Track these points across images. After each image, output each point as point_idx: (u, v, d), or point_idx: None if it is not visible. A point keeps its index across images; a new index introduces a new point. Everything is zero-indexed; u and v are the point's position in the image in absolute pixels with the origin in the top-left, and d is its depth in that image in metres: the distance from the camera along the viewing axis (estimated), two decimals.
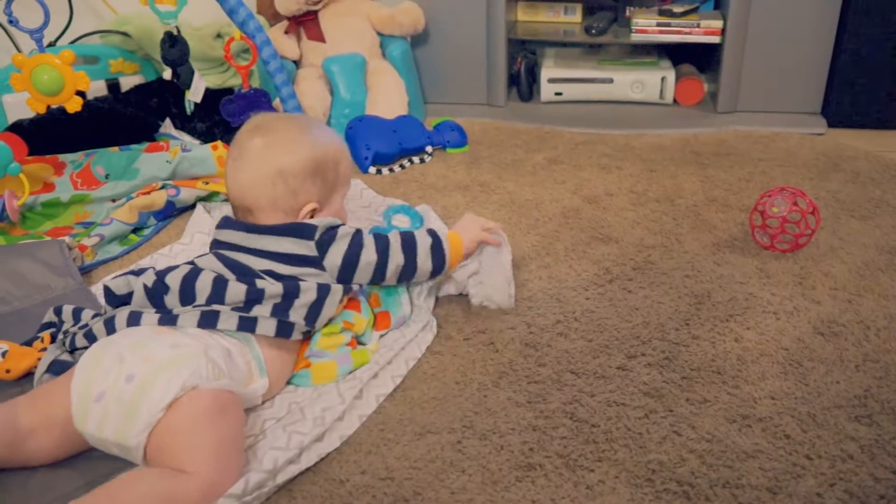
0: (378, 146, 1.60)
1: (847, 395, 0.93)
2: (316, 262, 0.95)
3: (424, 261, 1.01)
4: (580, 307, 1.12)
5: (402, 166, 1.62)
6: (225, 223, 1.00)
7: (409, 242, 1.00)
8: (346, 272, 0.96)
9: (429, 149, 1.67)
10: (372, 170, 1.60)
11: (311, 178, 0.99)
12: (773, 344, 1.03)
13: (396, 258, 0.99)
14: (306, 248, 0.95)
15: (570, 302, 1.14)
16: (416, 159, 1.65)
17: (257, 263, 0.95)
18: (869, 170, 1.54)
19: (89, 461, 0.84)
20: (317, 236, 0.95)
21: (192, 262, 0.96)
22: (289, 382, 0.96)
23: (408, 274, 1.00)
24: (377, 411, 0.93)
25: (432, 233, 1.03)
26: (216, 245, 1.00)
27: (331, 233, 0.96)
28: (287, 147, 0.98)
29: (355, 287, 1.00)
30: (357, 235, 0.97)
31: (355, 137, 1.62)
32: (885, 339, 1.03)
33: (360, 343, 1.01)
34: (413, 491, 0.81)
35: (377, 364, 0.97)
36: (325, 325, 0.97)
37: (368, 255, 0.97)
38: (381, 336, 1.03)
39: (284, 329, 0.91)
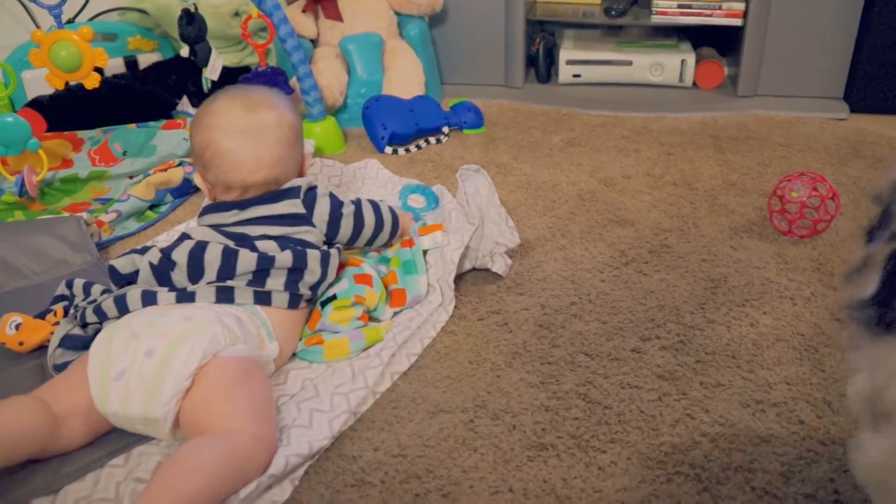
0: (394, 126, 1.59)
1: None
2: (305, 219, 1.00)
3: (388, 215, 1.09)
4: (595, 289, 1.12)
5: (418, 146, 1.62)
6: (209, 209, 1.01)
7: (373, 202, 1.09)
8: (334, 224, 1.02)
9: (445, 129, 1.66)
10: (388, 149, 1.59)
11: (301, 131, 1.07)
12: (790, 329, 1.02)
13: (368, 210, 1.07)
14: (294, 206, 0.99)
15: (584, 284, 1.13)
16: (432, 140, 1.64)
17: (252, 231, 0.97)
18: (891, 156, 1.52)
19: (107, 433, 0.85)
20: (302, 196, 1.00)
21: (188, 236, 0.96)
22: (302, 359, 0.97)
23: (379, 225, 1.08)
24: (391, 389, 0.93)
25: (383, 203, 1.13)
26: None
27: (312, 192, 1.03)
28: (283, 110, 1.03)
29: (341, 246, 1.03)
30: (333, 194, 1.05)
31: (372, 117, 1.61)
32: None
33: (372, 319, 1.02)
34: (425, 468, 0.81)
35: (395, 343, 0.97)
36: (336, 298, 0.98)
37: (348, 208, 1.04)
38: (396, 314, 1.04)
39: (295, 301, 0.95)
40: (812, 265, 1.16)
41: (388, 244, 1.12)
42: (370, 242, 1.09)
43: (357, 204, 1.06)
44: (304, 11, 1.84)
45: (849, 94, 1.78)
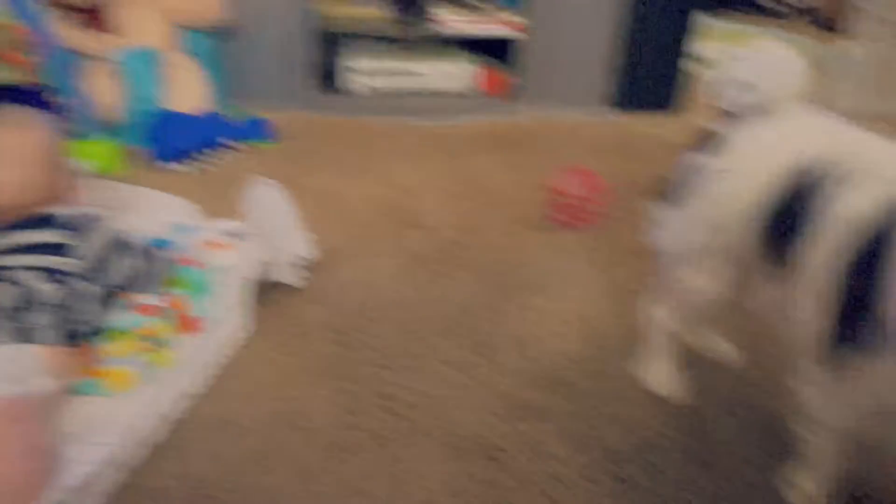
0: (178, 142, 1.53)
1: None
2: (69, 249, 0.92)
3: (164, 264, 1.03)
4: (392, 293, 1.14)
5: (205, 162, 1.56)
6: None
7: (149, 250, 1.03)
8: (103, 263, 0.95)
9: (234, 143, 1.62)
10: (173, 165, 1.53)
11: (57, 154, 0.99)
12: (574, 313, 1.10)
13: (148, 256, 1.01)
14: (57, 236, 0.92)
15: (380, 289, 1.15)
16: (221, 154, 1.60)
17: (11, 261, 0.89)
18: (652, 149, 1.69)
19: None
20: (66, 224, 0.93)
21: None
22: (84, 392, 0.90)
23: (153, 274, 1.01)
24: (187, 412, 0.89)
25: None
26: None
27: (83, 222, 0.95)
28: (28, 131, 0.95)
29: (115, 289, 0.96)
30: (111, 230, 0.98)
31: (155, 133, 1.54)
32: None
33: (161, 346, 0.96)
34: (225, 488, 0.79)
35: (189, 366, 0.93)
36: (118, 330, 0.92)
37: (122, 250, 0.97)
38: (188, 338, 0.99)
39: (62, 337, 0.87)
40: (588, 252, 1.26)
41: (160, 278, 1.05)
42: (141, 291, 1.00)
43: (136, 250, 0.99)
44: (75, 25, 1.72)
45: (616, 96, 1.96)
